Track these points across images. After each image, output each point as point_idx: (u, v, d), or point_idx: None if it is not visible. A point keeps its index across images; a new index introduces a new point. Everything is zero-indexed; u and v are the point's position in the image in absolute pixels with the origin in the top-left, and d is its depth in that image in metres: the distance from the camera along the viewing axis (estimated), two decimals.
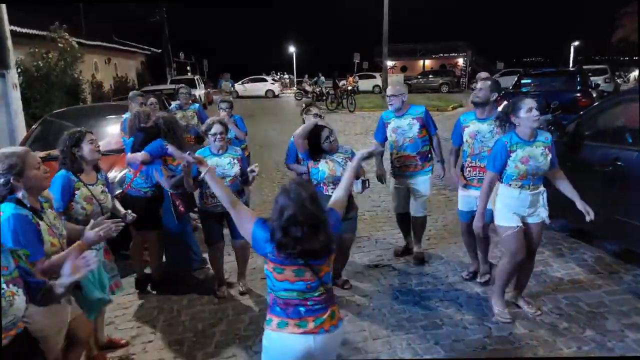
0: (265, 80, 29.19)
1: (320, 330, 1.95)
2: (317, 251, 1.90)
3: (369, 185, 3.61)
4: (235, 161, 3.58)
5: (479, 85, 3.66)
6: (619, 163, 3.75)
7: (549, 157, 3.06)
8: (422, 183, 4.13)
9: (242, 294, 3.79)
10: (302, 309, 1.95)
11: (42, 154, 4.17)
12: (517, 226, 3.11)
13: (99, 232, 2.21)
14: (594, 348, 2.92)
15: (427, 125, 4.10)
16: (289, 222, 1.85)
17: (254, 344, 3.12)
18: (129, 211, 2.98)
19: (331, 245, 1.96)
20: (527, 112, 2.97)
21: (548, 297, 3.54)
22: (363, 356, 2.96)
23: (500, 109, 3.59)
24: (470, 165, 3.68)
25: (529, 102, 3.01)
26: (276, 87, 29.09)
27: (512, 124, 3.07)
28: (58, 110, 7.46)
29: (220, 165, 3.51)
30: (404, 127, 4.03)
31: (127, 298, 3.83)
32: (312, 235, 1.85)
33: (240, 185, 3.68)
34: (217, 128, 3.52)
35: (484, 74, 6.11)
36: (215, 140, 3.53)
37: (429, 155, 4.15)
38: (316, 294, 1.96)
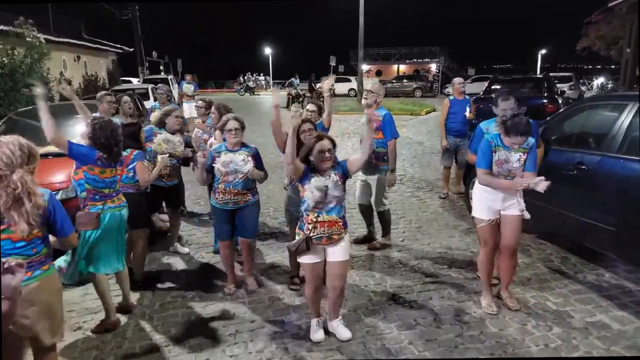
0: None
1: None
2: None
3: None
4: (249, 158, 3.61)
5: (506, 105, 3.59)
6: (582, 167, 3.91)
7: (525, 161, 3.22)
8: (373, 180, 4.46)
9: (250, 292, 3.82)
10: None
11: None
12: (489, 219, 3.34)
13: None
14: (560, 346, 3.02)
15: (383, 129, 4.30)
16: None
17: (227, 347, 3.09)
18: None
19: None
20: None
21: (517, 296, 3.64)
22: (338, 357, 2.97)
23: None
24: None
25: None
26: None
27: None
28: (23, 109, 7.16)
29: (234, 161, 3.57)
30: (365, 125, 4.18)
31: (96, 303, 3.70)
32: None
33: (252, 183, 3.70)
34: (232, 124, 3.57)
35: (458, 80, 6.42)
36: (230, 137, 3.57)
37: (385, 157, 4.39)
38: None
